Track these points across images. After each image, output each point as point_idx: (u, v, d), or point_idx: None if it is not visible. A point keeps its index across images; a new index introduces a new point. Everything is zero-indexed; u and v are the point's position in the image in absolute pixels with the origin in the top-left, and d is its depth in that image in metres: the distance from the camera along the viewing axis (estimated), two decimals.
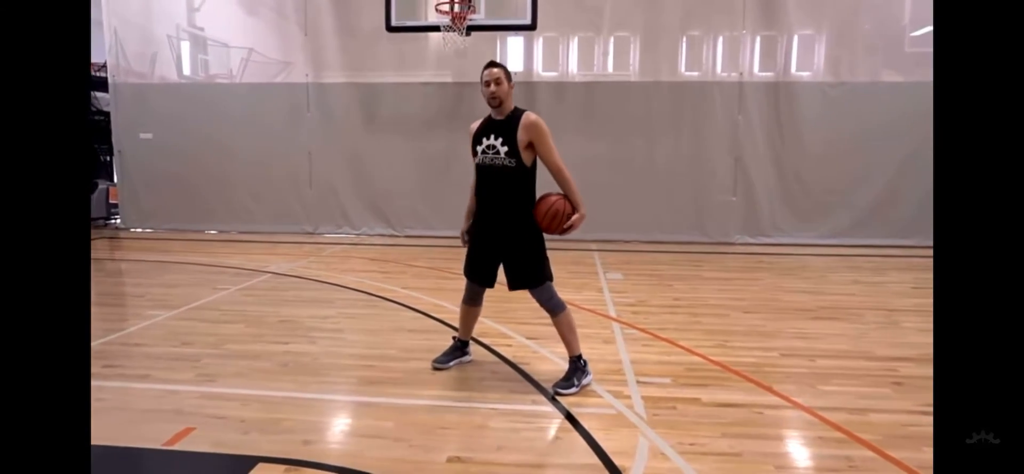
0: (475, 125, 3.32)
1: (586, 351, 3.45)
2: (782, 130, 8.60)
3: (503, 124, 3.19)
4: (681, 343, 4.11)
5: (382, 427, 2.84)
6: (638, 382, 3.41)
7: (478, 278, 3.40)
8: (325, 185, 9.26)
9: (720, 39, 8.62)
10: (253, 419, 2.91)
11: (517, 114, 3.20)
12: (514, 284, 3.28)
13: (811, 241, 8.51)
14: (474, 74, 8.94)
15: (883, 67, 8.50)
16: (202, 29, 9.77)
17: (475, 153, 3.24)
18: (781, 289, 5.83)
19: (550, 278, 3.28)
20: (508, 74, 3.21)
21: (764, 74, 8.62)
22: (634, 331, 4.40)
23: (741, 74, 8.59)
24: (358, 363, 3.71)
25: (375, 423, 2.88)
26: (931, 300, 5.38)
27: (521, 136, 3.15)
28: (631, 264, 7.11)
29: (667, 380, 3.46)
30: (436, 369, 3.57)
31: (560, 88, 8.88)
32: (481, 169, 3.24)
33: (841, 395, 3.27)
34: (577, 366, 3.33)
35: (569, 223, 3.15)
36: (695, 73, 8.71)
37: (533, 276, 3.25)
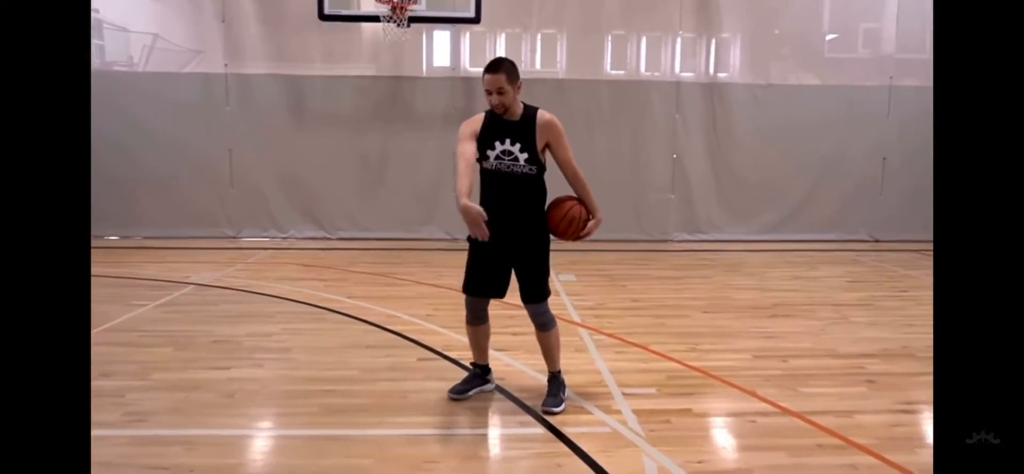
0: (478, 121, 2.94)
1: (561, 361, 3.25)
2: (716, 129, 8.83)
3: (518, 126, 2.90)
4: (653, 348, 4.02)
5: (361, 466, 2.51)
6: (624, 394, 3.27)
7: (489, 290, 3.06)
8: (248, 185, 8.52)
9: (656, 40, 8.70)
10: (203, 467, 2.49)
11: (531, 113, 2.92)
12: (527, 296, 3.02)
13: (743, 237, 8.79)
14: (410, 68, 8.60)
15: (805, 70, 8.89)
16: (96, 10, 8.71)
17: (485, 156, 2.91)
18: (731, 287, 5.92)
19: (549, 293, 3.06)
20: (513, 74, 2.85)
21: (687, 75, 8.78)
22: (602, 337, 4.27)
23: (677, 74, 8.73)
24: (317, 388, 3.32)
25: (352, 461, 2.55)
26: (870, 295, 5.72)
27: (539, 139, 2.90)
28: (579, 264, 7.02)
29: (652, 390, 3.34)
30: (453, 400, 3.14)
31: None
32: (493, 175, 2.92)
33: (822, 397, 3.27)
34: (560, 380, 3.15)
35: (586, 230, 2.95)
36: (621, 72, 8.72)
37: (543, 289, 3.02)
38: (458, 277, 6.20)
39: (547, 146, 2.94)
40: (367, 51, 8.54)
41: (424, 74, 8.65)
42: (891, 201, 9.01)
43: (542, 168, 2.96)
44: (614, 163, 8.73)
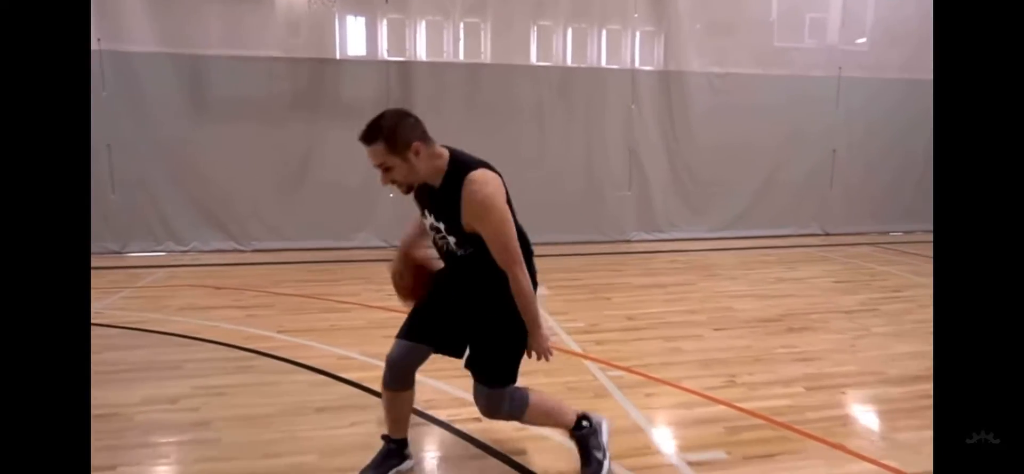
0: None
1: (574, 407, 2.39)
2: (673, 121, 8.30)
3: (441, 196, 2.02)
4: (686, 385, 3.26)
5: None
6: (689, 463, 2.46)
7: (427, 335, 2.18)
8: (135, 187, 6.95)
9: (614, 29, 8.05)
10: None
11: (455, 178, 1.98)
12: (471, 364, 2.19)
13: (702, 234, 8.33)
14: (332, 49, 7.39)
15: (756, 60, 8.53)
16: None
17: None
18: (723, 295, 5.31)
19: (513, 380, 2.18)
20: (398, 139, 1.93)
21: (614, 64, 8.22)
22: (619, 372, 3.46)
23: (633, 63, 8.12)
24: None
25: None
26: (867, 297, 5.31)
27: (465, 216, 1.98)
28: (543, 273, 6.18)
29: (722, 454, 2.56)
30: None
31: (438, 70, 7.65)
32: (437, 248, 2.17)
33: (927, 447, 2.64)
34: (585, 432, 2.32)
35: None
36: (578, 61, 8.00)
37: (495, 371, 2.15)
38: None
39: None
40: (282, 28, 7.24)
41: (338, 58, 7.47)
42: (839, 194, 8.91)
43: (479, 245, 2.02)
44: (568, 158, 7.98)
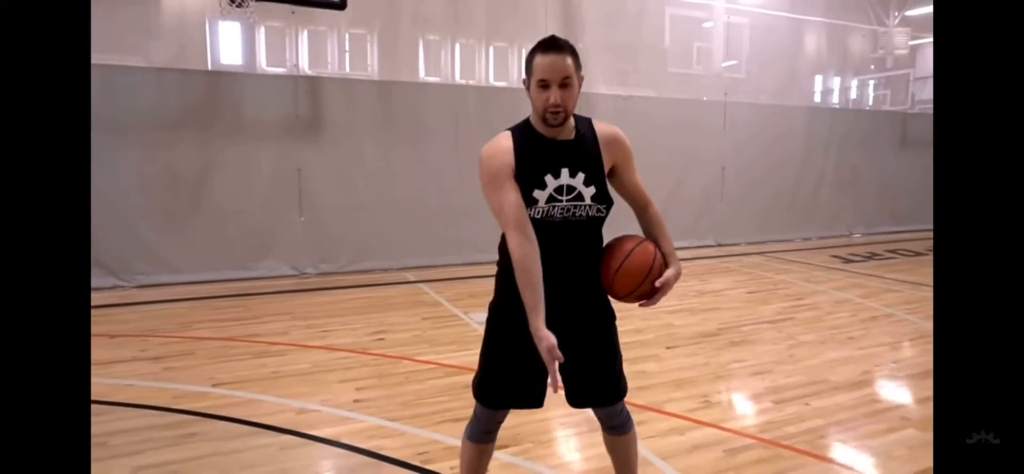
0: (506, 150, 1.88)
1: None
2: None
3: (577, 147, 1.91)
4: (669, 409, 3.32)
5: None
6: None
7: (525, 397, 2.02)
8: None
9: (521, 48, 8.15)
10: None
11: (585, 125, 1.96)
12: (604, 396, 2.07)
13: None
14: (225, 57, 6.76)
15: (654, 84, 9.10)
16: None
17: (530, 200, 1.86)
18: (659, 311, 5.50)
19: None
20: (577, 59, 1.87)
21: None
22: None
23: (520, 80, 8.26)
24: None
25: None
26: (780, 306, 5.80)
27: (606, 160, 1.96)
28: (470, 294, 6.07)
29: None
30: None
31: (348, 86, 7.26)
32: (549, 227, 1.87)
33: (898, 452, 2.88)
34: None
35: (663, 283, 1.93)
36: (432, 78, 8.02)
37: (622, 378, 2.10)
38: (345, 328, 4.86)
39: (612, 170, 2.02)
40: (174, 37, 6.48)
41: (208, 68, 6.83)
42: (728, 207, 9.71)
43: (610, 205, 1.99)
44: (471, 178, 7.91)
